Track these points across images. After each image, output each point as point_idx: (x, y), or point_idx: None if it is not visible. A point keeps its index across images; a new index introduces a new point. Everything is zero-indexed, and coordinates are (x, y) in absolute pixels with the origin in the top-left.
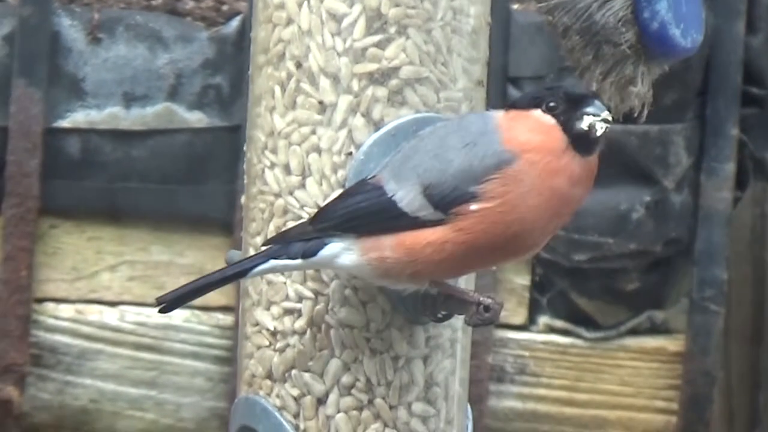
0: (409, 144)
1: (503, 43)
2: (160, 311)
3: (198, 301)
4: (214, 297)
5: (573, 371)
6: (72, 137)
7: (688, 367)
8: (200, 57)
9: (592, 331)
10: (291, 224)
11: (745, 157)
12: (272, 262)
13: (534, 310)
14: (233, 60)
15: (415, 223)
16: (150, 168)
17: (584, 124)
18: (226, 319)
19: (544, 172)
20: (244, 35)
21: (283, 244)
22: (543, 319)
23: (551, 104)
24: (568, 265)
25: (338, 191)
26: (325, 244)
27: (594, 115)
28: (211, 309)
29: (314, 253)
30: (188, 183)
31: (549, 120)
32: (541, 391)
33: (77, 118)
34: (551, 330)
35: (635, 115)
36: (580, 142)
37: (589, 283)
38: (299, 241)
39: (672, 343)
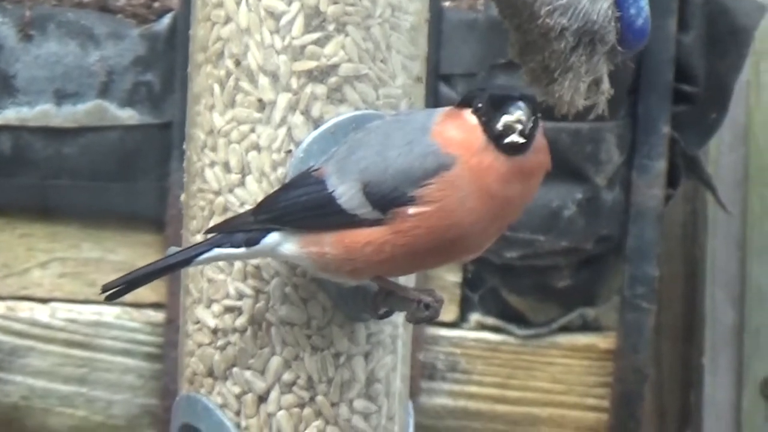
0: (356, 136)
1: (435, 41)
2: (106, 299)
3: (129, 298)
4: (145, 294)
5: (504, 368)
6: (3, 135)
7: (620, 364)
8: (131, 54)
9: (523, 329)
10: None
11: (676, 155)
12: (216, 251)
13: (465, 307)
14: (164, 57)
15: (353, 220)
16: (81, 165)
17: (499, 124)
18: (158, 316)
19: (474, 174)
20: (175, 32)
21: (226, 233)
22: (474, 317)
23: (478, 105)
24: (500, 263)
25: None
26: (268, 233)
27: (508, 115)
28: (143, 306)
29: (257, 242)
30: (119, 180)
31: (473, 120)
32: (473, 389)
33: (8, 115)
34: (482, 327)
35: (600, 111)
36: (501, 142)
37: (520, 280)
38: (242, 231)
39: (603, 341)
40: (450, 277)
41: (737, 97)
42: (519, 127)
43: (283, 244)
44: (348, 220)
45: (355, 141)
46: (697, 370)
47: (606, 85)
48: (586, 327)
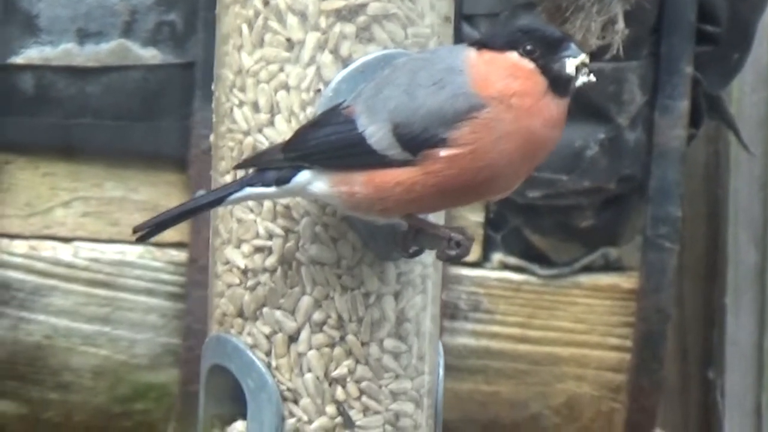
0: (383, 74)
1: None
2: (138, 240)
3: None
4: (167, 233)
5: (527, 308)
6: (26, 73)
7: (642, 304)
8: None
9: (545, 268)
10: None
11: (699, 95)
12: (247, 190)
13: (488, 246)
14: None
15: (383, 161)
16: (104, 104)
17: (568, 68)
18: (180, 255)
19: (520, 116)
20: None
21: (256, 171)
22: (497, 256)
23: (528, 47)
24: (522, 202)
25: None
26: (298, 171)
27: (573, 57)
28: (165, 245)
29: (288, 180)
30: (142, 120)
31: (528, 64)
32: (495, 328)
33: (31, 54)
34: (505, 267)
35: (615, 51)
36: (559, 84)
37: (543, 220)
38: (272, 170)
39: (626, 281)
40: (472, 216)
41: (760, 38)
42: (587, 68)
43: (314, 182)
44: (378, 161)
45: (382, 79)
46: (719, 310)
47: (621, 24)
48: (608, 267)
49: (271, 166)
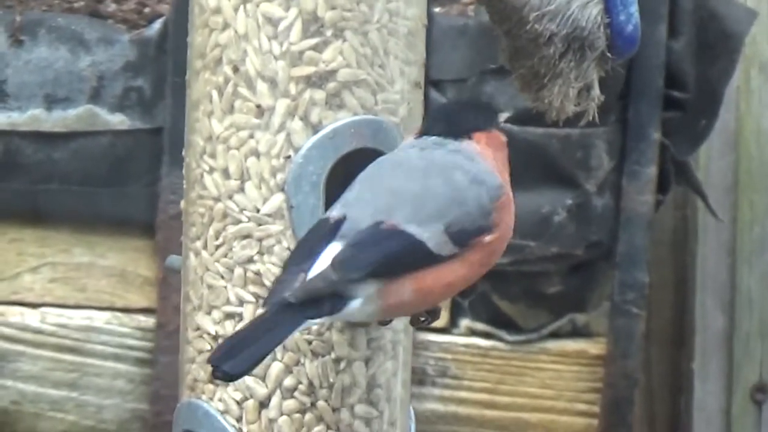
0: (377, 185)
1: (425, 46)
2: (222, 380)
3: (119, 303)
4: (135, 299)
5: (494, 374)
6: None
7: (610, 370)
8: (122, 59)
9: (513, 334)
10: (230, 228)
11: (666, 161)
12: (308, 322)
13: (455, 312)
14: (155, 62)
15: (435, 260)
16: (72, 170)
17: None
18: (148, 321)
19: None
20: (166, 38)
21: (307, 299)
22: (464, 322)
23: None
24: (490, 268)
25: (277, 194)
26: (351, 299)
27: None
28: (132, 311)
29: (340, 309)
30: (110, 185)
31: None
32: (463, 394)
33: None
34: (472, 333)
35: (591, 118)
36: None
37: (510, 286)
38: (327, 298)
39: (593, 346)
40: None
41: (727, 103)
42: None
43: (363, 306)
44: (431, 261)
45: (385, 191)
46: (687, 375)
47: (596, 91)
48: (576, 333)
49: (324, 295)
